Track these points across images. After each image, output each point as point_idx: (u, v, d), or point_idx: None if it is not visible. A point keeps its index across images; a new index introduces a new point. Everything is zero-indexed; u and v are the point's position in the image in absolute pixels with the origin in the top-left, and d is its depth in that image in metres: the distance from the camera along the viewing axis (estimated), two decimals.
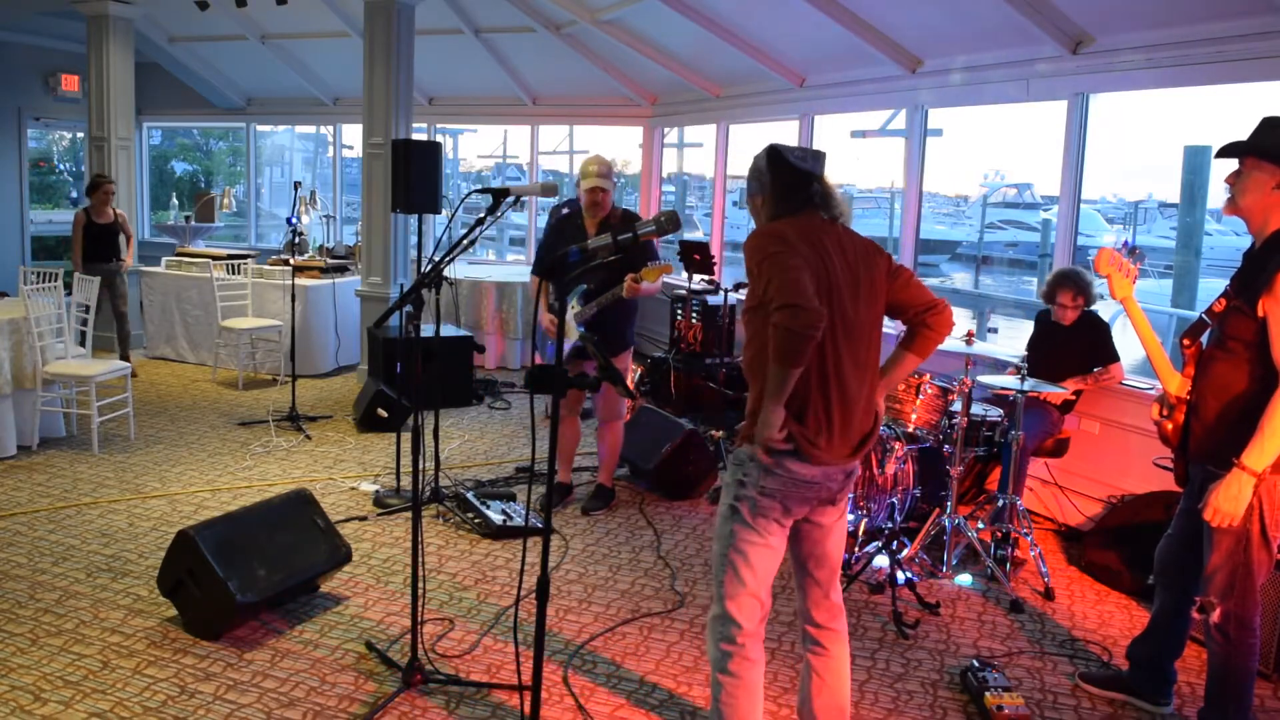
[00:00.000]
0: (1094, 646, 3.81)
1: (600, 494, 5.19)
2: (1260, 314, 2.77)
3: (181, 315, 8.51)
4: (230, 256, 8.45)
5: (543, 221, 8.62)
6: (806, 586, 2.74)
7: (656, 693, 3.35)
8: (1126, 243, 3.39)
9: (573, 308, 4.76)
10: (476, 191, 3.74)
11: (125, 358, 7.50)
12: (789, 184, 2.59)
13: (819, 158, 2.63)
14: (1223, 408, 2.89)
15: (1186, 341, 3.10)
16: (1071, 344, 4.72)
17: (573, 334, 4.71)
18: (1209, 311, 2.99)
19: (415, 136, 7.78)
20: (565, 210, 5.10)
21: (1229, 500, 2.79)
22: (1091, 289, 4.67)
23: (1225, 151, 2.87)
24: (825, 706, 2.73)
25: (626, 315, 4.86)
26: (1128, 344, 4.98)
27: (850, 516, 4.44)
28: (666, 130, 9.85)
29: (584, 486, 5.42)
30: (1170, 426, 3.14)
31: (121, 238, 7.68)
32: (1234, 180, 2.89)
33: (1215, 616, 2.95)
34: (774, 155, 2.60)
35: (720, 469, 5.57)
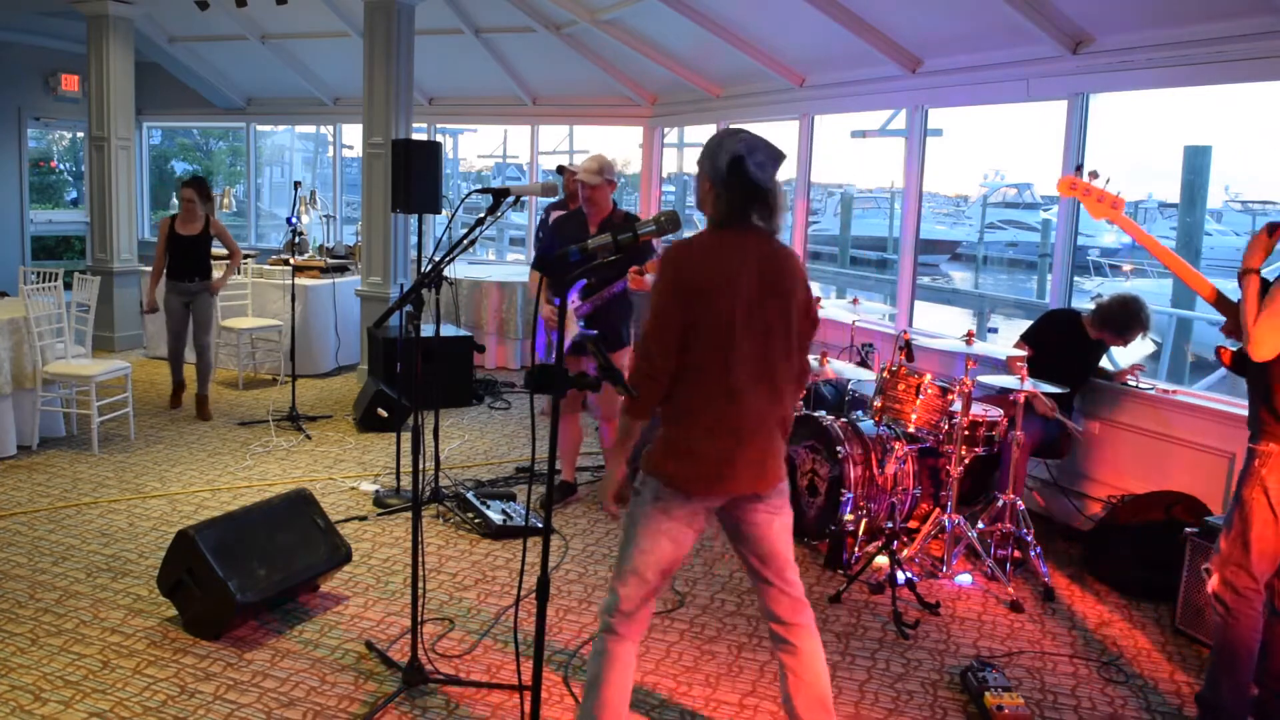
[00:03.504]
0: (1094, 646, 3.82)
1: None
2: None
3: None
4: (228, 256, 8.44)
5: None
6: (760, 587, 2.75)
7: (656, 693, 3.35)
8: (1079, 167, 3.42)
9: (573, 302, 4.78)
10: (476, 191, 3.74)
11: (203, 396, 6.78)
12: (743, 199, 2.55)
13: (777, 162, 2.59)
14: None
15: None
16: (1092, 355, 4.82)
17: (573, 327, 4.74)
18: None
19: (415, 136, 7.78)
20: (559, 211, 5.13)
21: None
22: None
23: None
24: (806, 703, 2.71)
25: (623, 314, 4.89)
26: (1126, 349, 5.01)
27: (850, 516, 4.44)
28: (666, 130, 9.85)
29: (585, 486, 5.42)
30: (1227, 352, 3.20)
31: (213, 253, 6.87)
32: None
33: (1213, 584, 3.02)
34: (736, 165, 2.53)
35: None
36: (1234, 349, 3.18)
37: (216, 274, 6.97)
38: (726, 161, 2.54)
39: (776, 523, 2.70)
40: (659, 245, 4.75)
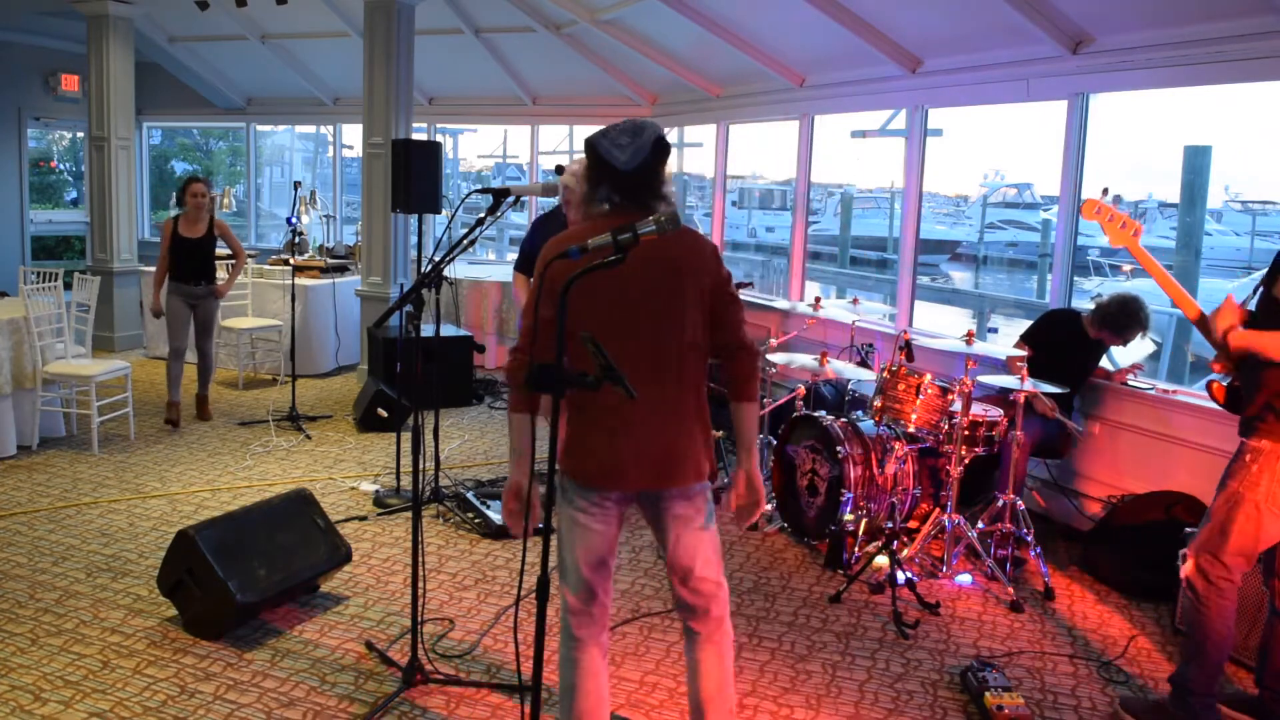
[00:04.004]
0: (1094, 646, 3.82)
1: None
2: (1277, 294, 2.93)
3: None
4: (230, 257, 8.44)
5: None
6: (671, 589, 2.73)
7: (656, 692, 3.35)
8: (1105, 190, 3.45)
9: None
10: (476, 191, 3.74)
11: (204, 396, 6.75)
12: (595, 179, 2.50)
13: (643, 144, 2.47)
14: (1254, 380, 3.00)
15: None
16: (1091, 355, 4.82)
17: None
18: (1256, 286, 3.13)
19: (415, 136, 7.78)
20: (548, 211, 5.14)
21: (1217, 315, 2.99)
22: None
23: None
24: (703, 697, 2.69)
25: None
26: (1126, 349, 5.01)
27: (850, 516, 4.44)
28: (666, 130, 9.84)
29: None
30: (1219, 387, 3.24)
31: (219, 257, 6.65)
32: None
33: (1186, 569, 3.07)
34: (588, 147, 2.49)
35: (720, 468, 5.56)
36: (1226, 384, 3.20)
37: (220, 274, 6.94)
38: (585, 145, 2.53)
39: (688, 533, 2.60)
40: None
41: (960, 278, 20.17)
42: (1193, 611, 3.09)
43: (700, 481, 2.62)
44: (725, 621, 2.69)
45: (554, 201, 4.87)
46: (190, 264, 6.49)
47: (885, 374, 4.56)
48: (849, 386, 5.42)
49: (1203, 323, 3.20)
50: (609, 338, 2.44)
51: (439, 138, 11.18)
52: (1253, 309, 3.14)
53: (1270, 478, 2.91)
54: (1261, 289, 3.04)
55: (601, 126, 2.61)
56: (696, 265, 2.53)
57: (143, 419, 6.54)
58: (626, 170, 2.46)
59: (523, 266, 5.04)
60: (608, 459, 2.55)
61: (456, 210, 4.27)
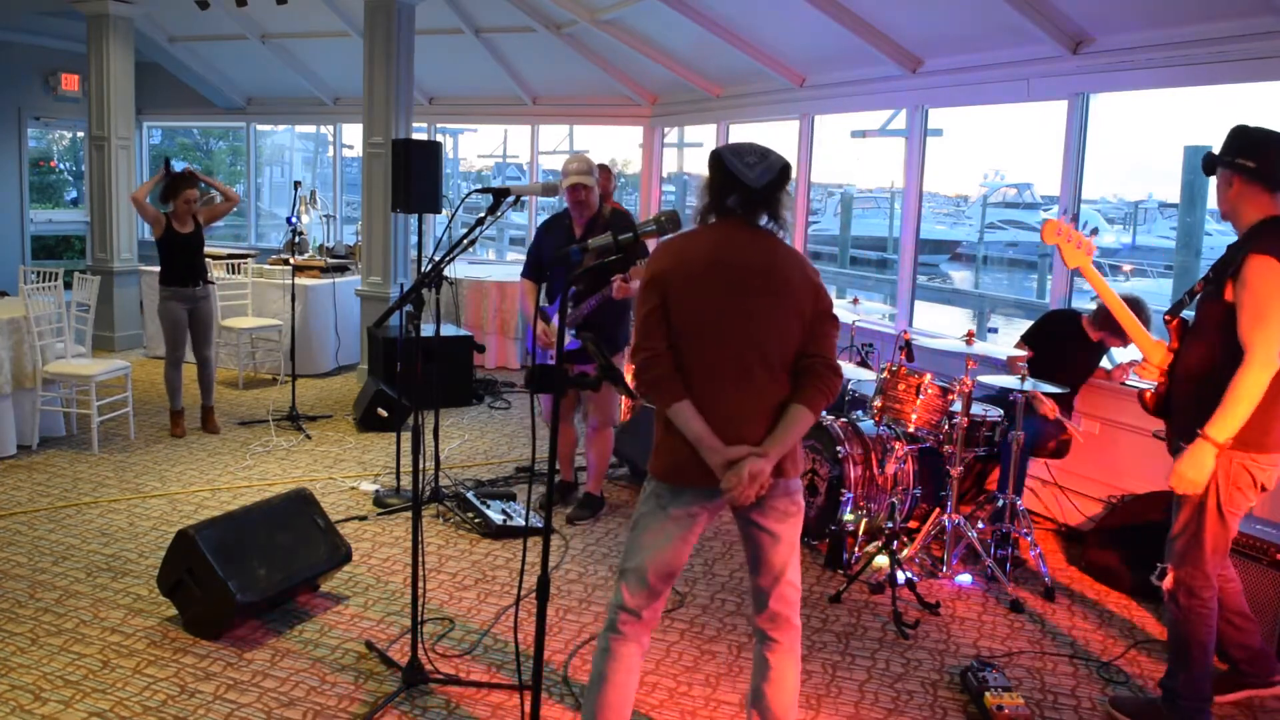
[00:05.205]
0: (1094, 646, 3.82)
1: (588, 503, 5.05)
2: (1228, 298, 2.90)
3: None
4: (230, 256, 8.46)
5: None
6: (752, 590, 2.76)
7: (656, 692, 3.35)
8: (1066, 210, 3.54)
9: (559, 310, 4.74)
10: (477, 191, 3.74)
11: (209, 408, 6.46)
12: (719, 189, 2.61)
13: (770, 166, 2.56)
14: (1195, 389, 3.01)
15: (1168, 317, 3.24)
16: (1092, 356, 4.81)
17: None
18: (1190, 291, 3.15)
19: (415, 136, 7.78)
20: (552, 216, 5.12)
21: (1192, 468, 2.91)
22: None
23: (1204, 167, 3.09)
24: (777, 709, 2.70)
25: (618, 317, 4.77)
26: (1127, 349, 5.01)
27: (850, 516, 4.44)
28: (666, 130, 9.85)
29: (583, 486, 5.42)
30: (1150, 395, 3.27)
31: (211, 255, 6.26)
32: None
33: (1168, 582, 3.08)
34: (714, 159, 2.61)
35: None
36: (1153, 390, 3.27)
37: (216, 274, 6.92)
38: (710, 159, 2.63)
39: (787, 529, 2.64)
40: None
41: (960, 278, 20.18)
42: (1177, 623, 3.10)
43: (797, 477, 2.67)
44: (800, 630, 2.75)
45: (554, 202, 4.86)
46: (183, 259, 6.23)
47: (885, 374, 4.56)
48: (849, 386, 5.42)
49: (1142, 339, 3.37)
50: (715, 337, 2.55)
51: (439, 138, 11.18)
52: (1184, 316, 3.18)
53: (1225, 480, 2.95)
54: (1210, 287, 3.02)
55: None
56: (800, 284, 2.61)
57: (143, 419, 6.54)
58: (756, 187, 2.57)
59: (529, 273, 4.99)
60: (692, 454, 2.55)
61: (456, 210, 4.27)
